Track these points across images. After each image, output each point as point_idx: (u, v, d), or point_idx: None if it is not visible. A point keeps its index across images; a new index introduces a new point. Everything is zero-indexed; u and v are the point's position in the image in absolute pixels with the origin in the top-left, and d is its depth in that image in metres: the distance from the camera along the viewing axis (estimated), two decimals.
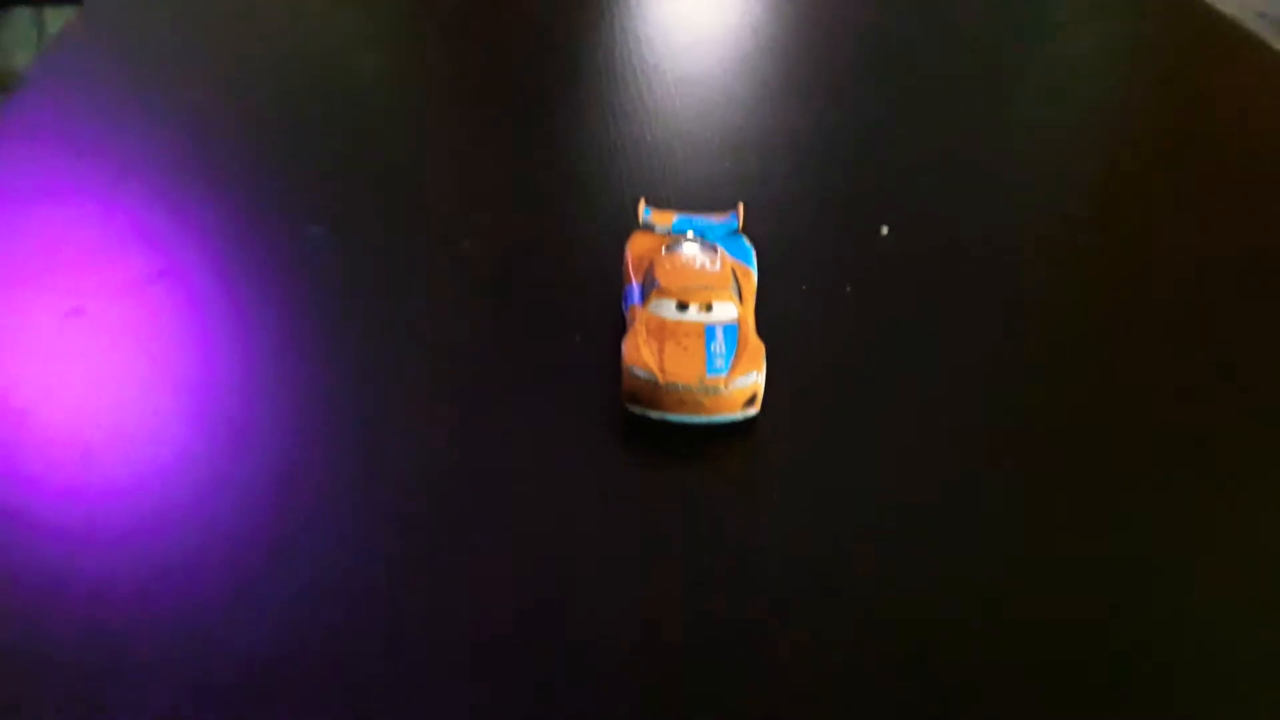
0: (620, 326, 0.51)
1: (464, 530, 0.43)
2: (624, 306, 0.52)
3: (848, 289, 0.58)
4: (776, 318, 0.52)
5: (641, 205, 0.55)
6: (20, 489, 0.43)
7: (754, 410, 0.48)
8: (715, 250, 0.51)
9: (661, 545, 0.43)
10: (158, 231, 0.59)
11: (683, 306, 0.48)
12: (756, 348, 0.48)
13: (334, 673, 0.37)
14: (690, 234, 0.53)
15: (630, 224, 0.55)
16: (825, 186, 0.67)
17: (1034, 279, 0.60)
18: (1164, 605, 0.41)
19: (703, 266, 0.50)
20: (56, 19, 2.22)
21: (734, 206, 0.56)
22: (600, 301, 0.54)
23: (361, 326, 0.54)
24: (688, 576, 0.41)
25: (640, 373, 0.46)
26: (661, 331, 0.48)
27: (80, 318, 0.52)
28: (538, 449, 0.47)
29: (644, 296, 0.50)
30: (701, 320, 0.48)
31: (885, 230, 0.62)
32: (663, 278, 0.49)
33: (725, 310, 0.49)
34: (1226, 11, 1.80)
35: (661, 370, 0.46)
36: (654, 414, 0.47)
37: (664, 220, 0.55)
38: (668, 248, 0.51)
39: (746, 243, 0.55)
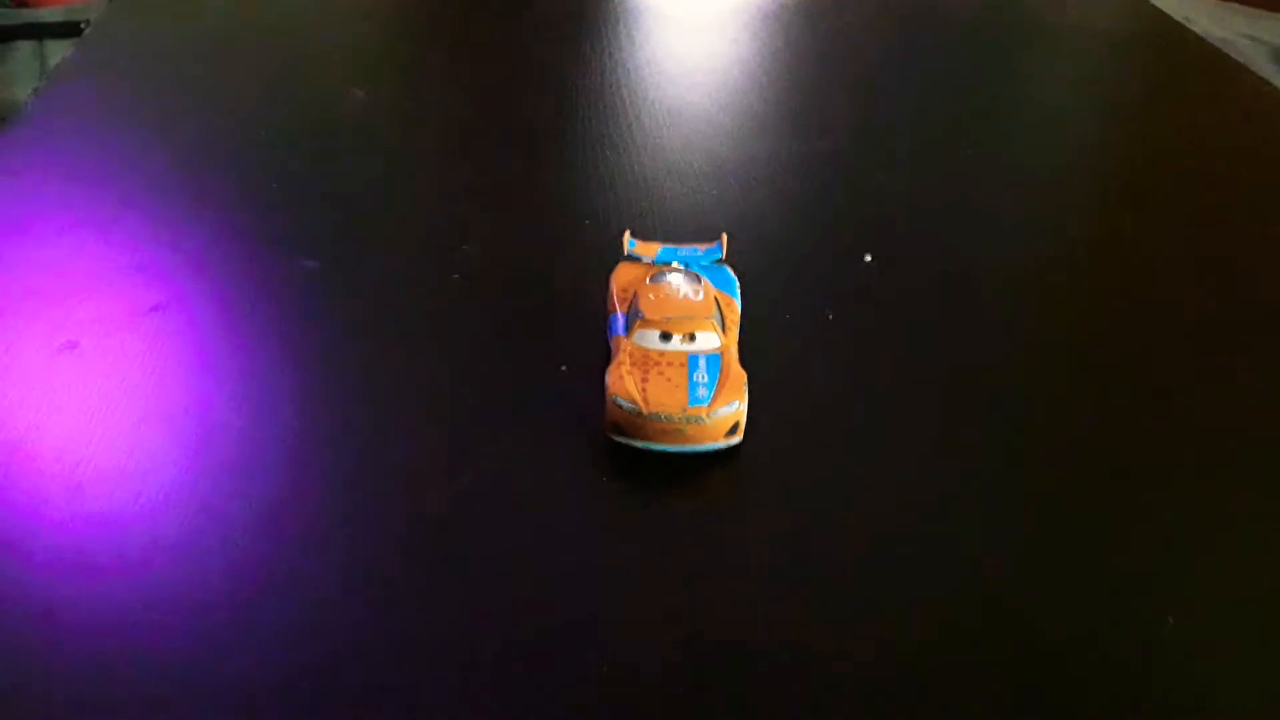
0: (605, 357, 0.51)
1: (453, 559, 0.43)
2: (608, 337, 0.53)
3: (829, 316, 0.59)
4: (760, 346, 0.53)
5: (626, 237, 0.56)
6: (12, 520, 0.44)
7: (737, 439, 0.48)
8: (699, 280, 0.52)
9: (647, 573, 0.43)
10: (153, 264, 0.60)
11: (666, 337, 0.49)
12: (739, 377, 0.49)
13: (326, 704, 0.38)
14: (674, 265, 0.54)
15: (616, 255, 0.56)
16: (808, 216, 0.69)
17: (1017, 307, 0.60)
18: (1161, 619, 0.41)
19: (686, 296, 0.51)
20: (57, 52, 2.25)
21: (718, 236, 0.57)
22: (586, 332, 0.55)
23: (352, 358, 0.54)
24: (672, 603, 0.42)
25: (624, 403, 0.47)
26: (645, 361, 0.49)
27: (74, 351, 0.53)
28: (522, 479, 0.47)
29: (628, 327, 0.50)
30: (684, 350, 0.49)
31: (869, 258, 0.63)
32: (646, 308, 0.50)
33: (708, 340, 0.49)
34: (1218, 35, 1.81)
35: (644, 400, 0.47)
36: (638, 443, 0.48)
37: (649, 251, 0.56)
38: (652, 278, 0.52)
39: (730, 273, 0.56)
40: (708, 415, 0.47)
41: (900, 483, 0.48)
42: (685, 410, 0.47)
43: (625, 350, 0.49)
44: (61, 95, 0.80)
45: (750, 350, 0.51)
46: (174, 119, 0.76)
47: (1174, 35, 1.00)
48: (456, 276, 0.60)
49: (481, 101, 0.81)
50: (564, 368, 0.53)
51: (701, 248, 0.56)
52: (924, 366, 0.55)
